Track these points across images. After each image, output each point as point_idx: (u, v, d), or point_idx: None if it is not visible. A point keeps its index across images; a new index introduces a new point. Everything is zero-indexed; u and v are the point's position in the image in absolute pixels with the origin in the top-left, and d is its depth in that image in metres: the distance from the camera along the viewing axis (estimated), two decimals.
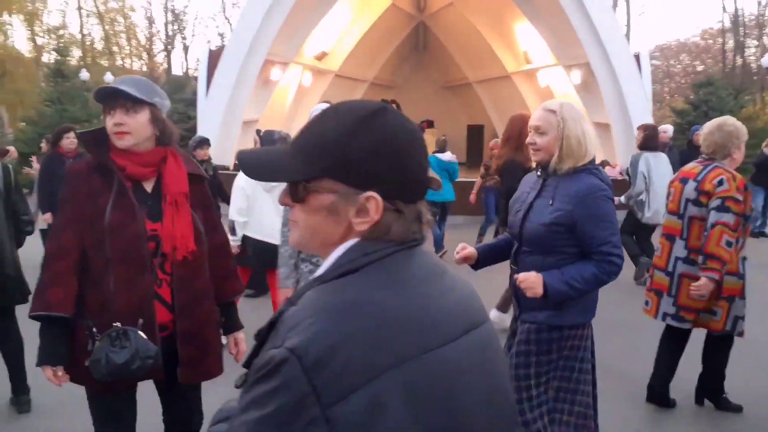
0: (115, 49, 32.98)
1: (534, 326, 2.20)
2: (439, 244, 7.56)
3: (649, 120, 11.21)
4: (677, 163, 6.32)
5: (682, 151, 8.27)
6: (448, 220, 7.79)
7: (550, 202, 2.17)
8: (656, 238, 3.69)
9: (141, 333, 1.76)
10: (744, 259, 3.21)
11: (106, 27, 32.32)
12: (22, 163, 11.04)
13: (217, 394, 1.68)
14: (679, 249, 3.23)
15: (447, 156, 7.51)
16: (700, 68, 31.71)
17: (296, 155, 0.84)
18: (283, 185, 0.89)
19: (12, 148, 9.41)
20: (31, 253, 3.93)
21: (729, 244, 3.00)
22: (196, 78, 17.33)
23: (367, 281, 0.79)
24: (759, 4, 32.32)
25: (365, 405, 0.70)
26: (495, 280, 4.21)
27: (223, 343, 2.06)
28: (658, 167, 5.65)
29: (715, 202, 3.04)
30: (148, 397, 2.05)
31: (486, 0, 14.36)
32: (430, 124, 15.42)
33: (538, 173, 2.30)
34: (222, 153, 10.64)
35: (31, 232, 3.40)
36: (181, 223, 1.83)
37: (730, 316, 3.15)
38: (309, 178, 0.83)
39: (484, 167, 7.63)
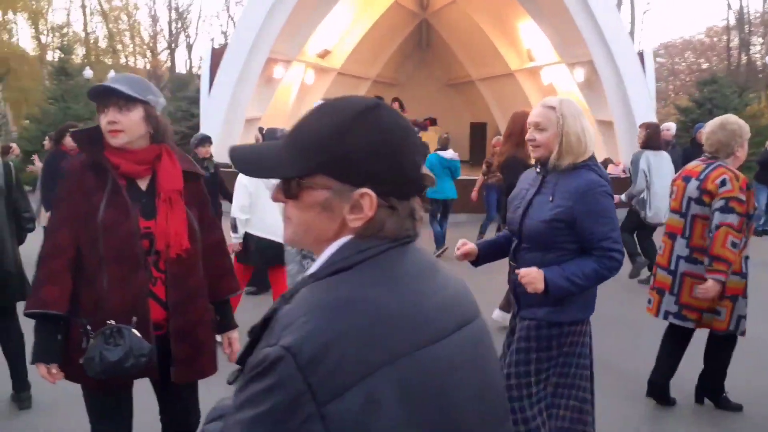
0: (118, 47, 33.05)
1: (534, 323, 2.20)
2: (440, 242, 7.55)
3: (653, 118, 11.17)
4: (680, 161, 6.31)
5: (686, 149, 8.24)
6: (450, 218, 7.78)
7: (550, 199, 2.16)
8: (659, 237, 3.67)
9: (135, 331, 1.76)
10: (746, 258, 3.19)
11: (110, 25, 32.40)
12: (25, 160, 11.09)
13: (211, 393, 1.68)
14: (681, 247, 3.23)
15: (449, 154, 7.50)
16: (705, 66, 31.58)
17: (289, 151, 0.84)
18: None
19: (14, 145, 9.45)
20: (33, 251, 3.91)
21: (734, 245, 3.00)
22: (199, 76, 17.36)
23: (360, 278, 0.79)
24: (764, 1, 32.25)
25: (360, 402, 0.70)
26: (495, 279, 4.22)
27: (219, 341, 2.06)
28: (660, 166, 5.64)
29: (718, 203, 3.03)
30: (145, 395, 2.05)
31: None
32: (433, 121, 15.40)
33: (537, 170, 2.29)
34: (224, 151, 10.44)
35: (32, 230, 3.42)
36: (175, 221, 1.83)
37: (734, 315, 3.14)
38: (303, 174, 0.82)
39: (485, 164, 7.61)
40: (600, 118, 12.84)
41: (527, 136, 2.28)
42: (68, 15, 34.04)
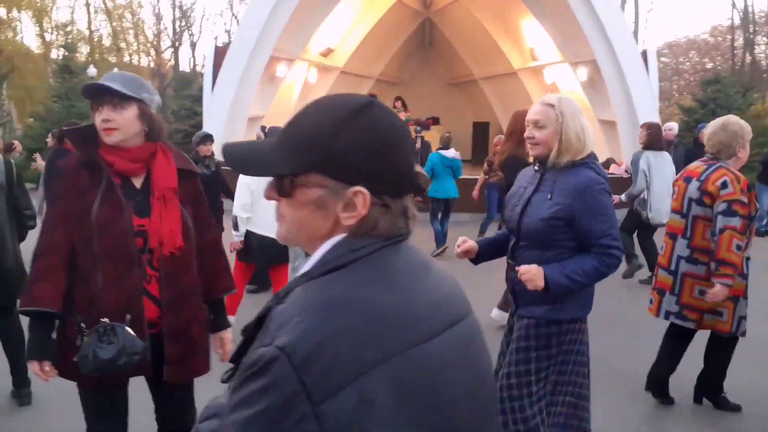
0: (122, 45, 33.11)
1: (533, 321, 2.20)
2: (440, 241, 7.55)
3: (656, 118, 11.14)
4: (682, 161, 6.29)
5: (688, 149, 8.22)
6: (451, 217, 7.78)
7: (549, 197, 2.16)
8: (661, 237, 3.67)
9: (128, 329, 1.76)
10: (747, 258, 3.19)
11: (114, 23, 32.45)
12: (29, 158, 11.12)
13: (205, 391, 1.68)
14: (682, 248, 3.23)
15: (451, 153, 7.50)
16: (709, 66, 31.45)
17: (283, 149, 0.84)
18: None
19: (16, 143, 9.49)
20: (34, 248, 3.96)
21: (739, 248, 3.00)
22: (202, 74, 17.36)
23: (354, 277, 0.79)
24: None
25: (354, 401, 0.70)
26: (494, 278, 4.21)
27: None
28: (661, 167, 5.63)
29: (721, 206, 3.03)
30: (141, 394, 2.05)
31: None
32: (435, 121, 15.39)
33: (536, 168, 2.29)
34: None
35: (33, 227, 3.43)
36: (169, 219, 1.83)
37: (735, 316, 3.14)
38: (296, 172, 0.82)
39: (487, 163, 7.61)
40: (603, 118, 12.80)
41: (526, 134, 2.28)
42: (72, 13, 34.26)
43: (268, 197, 0.88)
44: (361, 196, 0.81)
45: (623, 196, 5.74)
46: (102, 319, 1.75)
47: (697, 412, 3.36)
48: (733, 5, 31.64)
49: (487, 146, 16.04)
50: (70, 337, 1.81)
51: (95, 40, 32.22)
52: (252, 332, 0.80)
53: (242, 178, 4.17)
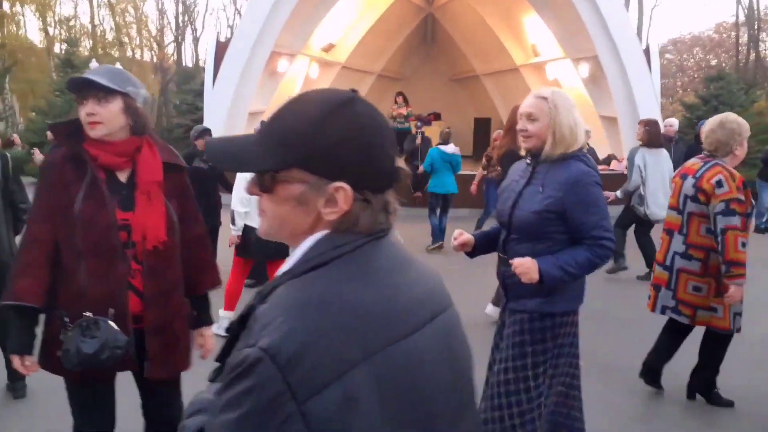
0: (125, 39, 33.08)
1: (526, 316, 2.21)
2: (436, 236, 7.55)
3: (658, 115, 11.11)
4: (683, 157, 6.29)
5: (689, 146, 8.20)
6: (450, 212, 7.77)
7: (540, 189, 2.17)
8: (658, 234, 3.68)
9: (112, 323, 1.75)
10: None
11: (117, 18, 32.41)
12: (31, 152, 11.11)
13: (189, 386, 1.67)
14: (678, 244, 3.25)
15: (450, 148, 7.50)
16: (713, 62, 31.31)
17: (264, 145, 0.84)
18: None
19: (15, 136, 9.48)
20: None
21: (744, 245, 3.02)
22: (205, 69, 17.34)
23: (336, 275, 0.79)
24: None
25: (338, 399, 0.71)
26: (490, 273, 4.22)
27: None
28: (658, 163, 5.64)
29: (719, 207, 3.03)
30: (134, 389, 2.04)
31: None
32: (437, 116, 15.37)
33: (528, 161, 2.30)
34: None
35: None
36: (153, 213, 1.82)
37: (731, 313, 3.15)
38: (277, 168, 0.83)
39: (485, 158, 7.58)
40: (604, 114, 12.77)
41: (518, 126, 2.28)
42: (75, 7, 34.18)
43: (250, 192, 0.88)
44: (343, 191, 0.81)
45: (618, 193, 5.75)
46: (85, 314, 1.75)
47: (690, 408, 3.36)
48: (738, 2, 31.44)
49: (489, 142, 16.01)
50: (55, 331, 1.80)
51: (98, 34, 32.19)
52: (236, 331, 0.80)
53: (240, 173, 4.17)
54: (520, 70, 15.39)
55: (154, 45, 34.11)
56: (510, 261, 2.18)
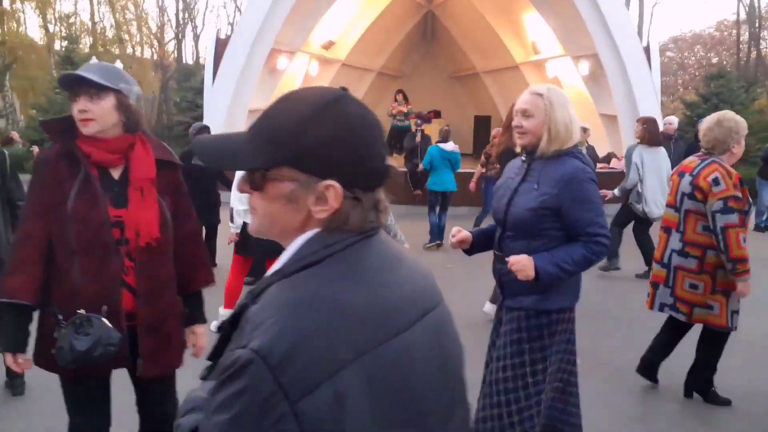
0: (125, 37, 33.03)
1: (523, 313, 2.22)
2: (434, 234, 7.55)
3: (658, 113, 11.09)
4: (683, 155, 6.28)
5: (690, 144, 8.19)
6: (449, 210, 7.77)
7: (536, 186, 2.17)
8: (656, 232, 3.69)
9: (105, 320, 1.74)
10: None
11: (117, 15, 32.36)
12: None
13: (180, 386, 1.66)
14: (675, 242, 3.27)
15: (449, 146, 7.49)
16: (714, 60, 31.25)
17: (254, 143, 0.84)
18: None
19: (14, 133, 9.48)
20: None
21: (744, 240, 3.04)
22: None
23: (328, 274, 0.80)
24: None
25: (330, 398, 0.71)
26: (491, 273, 4.22)
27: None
28: (655, 161, 5.64)
29: (717, 205, 3.04)
30: (130, 387, 2.04)
31: None
32: (437, 114, 15.36)
33: (523, 158, 2.30)
34: None
35: None
36: (146, 210, 1.82)
37: (728, 311, 3.15)
38: (267, 166, 0.83)
39: (484, 155, 7.57)
40: (604, 112, 12.76)
41: (513, 123, 2.28)
42: (75, 4, 34.10)
43: (241, 190, 0.88)
44: (333, 189, 0.81)
45: (616, 191, 5.76)
46: (78, 311, 1.75)
47: (688, 406, 3.37)
48: (740, 0, 31.38)
49: (489, 140, 15.99)
50: (49, 329, 1.80)
51: (98, 31, 32.14)
52: (228, 330, 0.80)
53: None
54: (520, 67, 15.37)
55: (155, 42, 34.08)
56: (506, 259, 2.18)
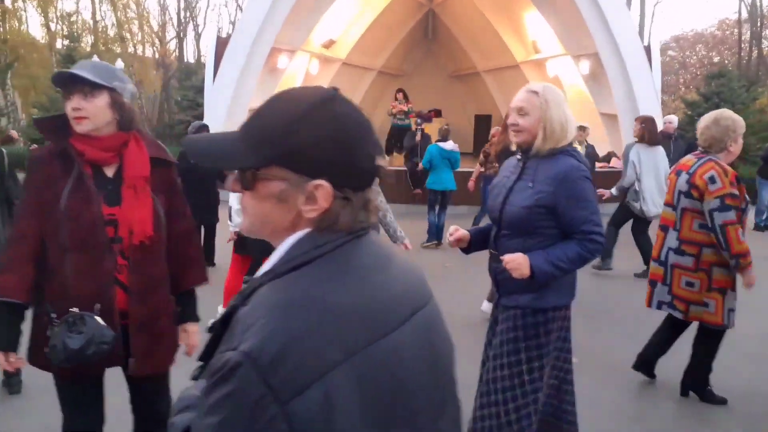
0: (127, 35, 33.02)
1: (519, 312, 2.22)
2: (432, 234, 7.54)
3: (658, 112, 11.09)
4: (683, 154, 6.28)
5: (690, 143, 8.19)
6: (449, 209, 7.77)
7: (531, 185, 2.18)
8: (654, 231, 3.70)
9: (98, 318, 1.74)
10: None
11: (119, 13, 32.36)
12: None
13: (173, 385, 1.65)
14: (672, 239, 3.28)
15: (449, 145, 7.49)
16: (716, 59, 31.19)
17: (245, 142, 0.84)
18: None
19: (14, 132, 9.50)
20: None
21: (743, 234, 3.06)
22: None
23: (319, 274, 0.80)
24: None
25: (320, 399, 0.72)
26: (486, 271, 4.23)
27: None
28: (652, 160, 5.64)
29: (714, 203, 3.04)
30: (124, 386, 2.04)
31: None
32: (437, 113, 15.34)
33: (518, 157, 2.30)
34: None
35: None
36: (139, 208, 1.81)
37: (725, 309, 3.16)
38: (258, 165, 0.83)
39: (483, 154, 7.57)
40: (604, 111, 12.75)
41: (509, 121, 2.28)
42: (77, 3, 34.07)
43: (232, 189, 0.89)
44: (322, 189, 0.81)
45: (614, 190, 5.76)
46: (71, 309, 1.74)
47: (685, 405, 3.37)
48: None
49: (489, 139, 15.98)
50: (42, 328, 1.80)
51: (100, 30, 32.14)
52: (219, 330, 0.81)
53: None
54: (521, 66, 15.36)
55: (156, 41, 34.08)
56: (501, 257, 2.19)
